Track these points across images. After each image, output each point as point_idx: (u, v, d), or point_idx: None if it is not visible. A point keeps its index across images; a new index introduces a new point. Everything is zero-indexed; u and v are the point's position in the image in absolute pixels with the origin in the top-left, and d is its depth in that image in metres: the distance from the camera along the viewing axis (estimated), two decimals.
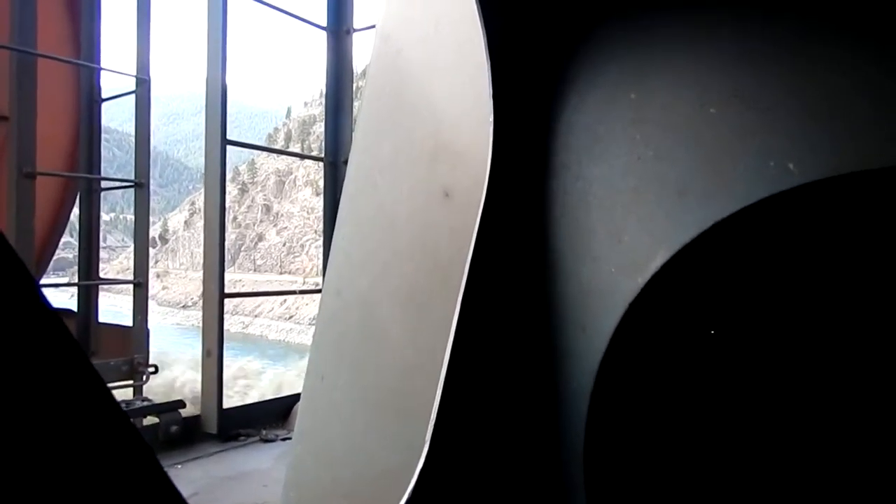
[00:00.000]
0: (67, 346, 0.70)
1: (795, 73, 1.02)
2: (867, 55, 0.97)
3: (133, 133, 6.00)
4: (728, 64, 1.09)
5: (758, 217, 1.00)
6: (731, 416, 1.19)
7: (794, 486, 1.19)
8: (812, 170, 0.96)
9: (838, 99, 0.97)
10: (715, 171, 1.05)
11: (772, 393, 1.19)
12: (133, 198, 6.05)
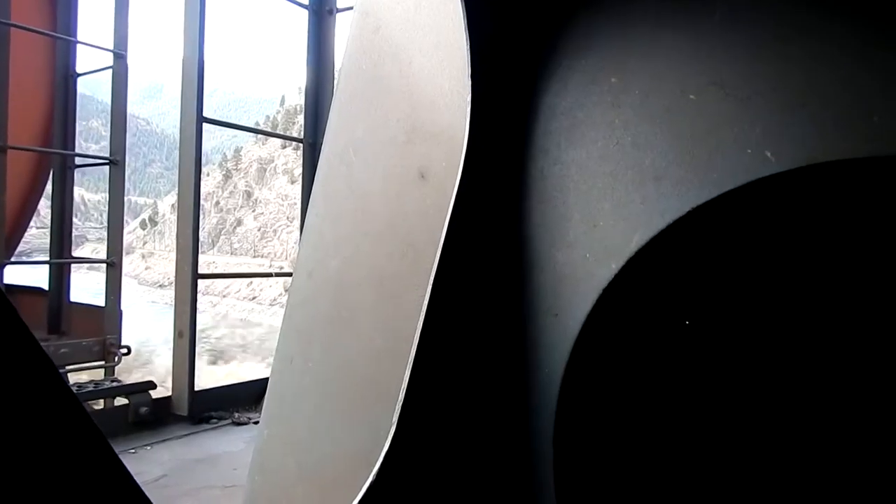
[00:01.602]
0: (12, 324, 0.67)
1: (776, 63, 1.01)
2: (849, 49, 0.97)
3: (112, 110, 5.88)
4: (710, 51, 1.08)
5: (735, 204, 1.00)
6: (705, 406, 1.19)
7: (770, 476, 1.19)
8: (789, 158, 0.95)
9: (818, 90, 0.96)
10: (692, 157, 1.04)
11: (748, 382, 1.18)
12: (110, 177, 5.94)
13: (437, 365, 1.06)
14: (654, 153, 1.07)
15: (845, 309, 1.14)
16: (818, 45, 0.97)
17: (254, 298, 57.76)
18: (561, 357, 1.09)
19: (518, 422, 1.10)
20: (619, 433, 1.18)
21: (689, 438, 1.21)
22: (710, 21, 1.09)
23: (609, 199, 1.10)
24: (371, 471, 1.00)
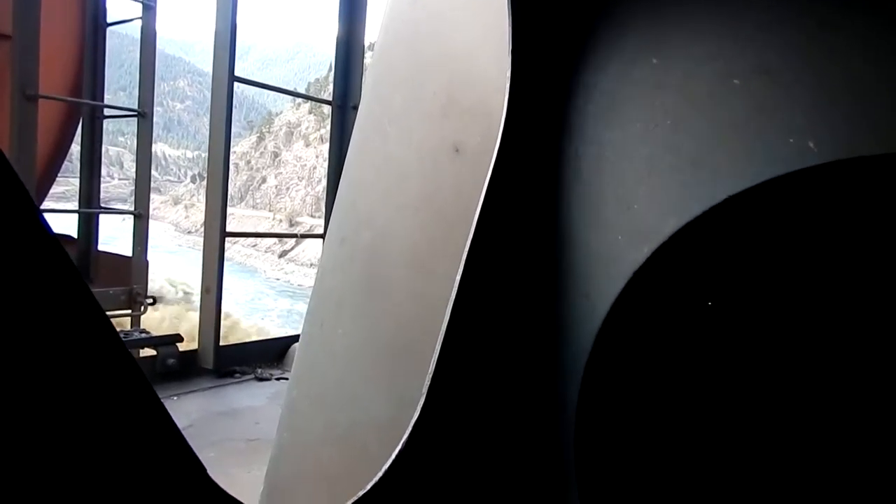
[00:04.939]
0: (67, 271, 0.70)
1: (823, 50, 0.99)
2: None
3: (141, 61, 5.88)
4: (754, 34, 1.06)
5: (773, 194, 0.99)
6: (728, 396, 1.20)
7: (794, 475, 1.21)
8: (833, 150, 0.94)
9: (864, 81, 0.94)
10: (733, 144, 1.03)
11: (773, 375, 1.19)
12: (137, 130, 5.98)
13: (467, 339, 1.08)
14: (693, 138, 1.06)
15: (879, 307, 1.14)
16: (866, 34, 0.95)
17: (254, 245, 64.23)
18: (589, 336, 1.11)
19: (544, 398, 1.12)
20: (640, 414, 1.20)
21: (708, 425, 1.22)
22: (754, 5, 1.07)
23: (645, 182, 1.10)
24: (397, 441, 1.03)
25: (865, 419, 1.17)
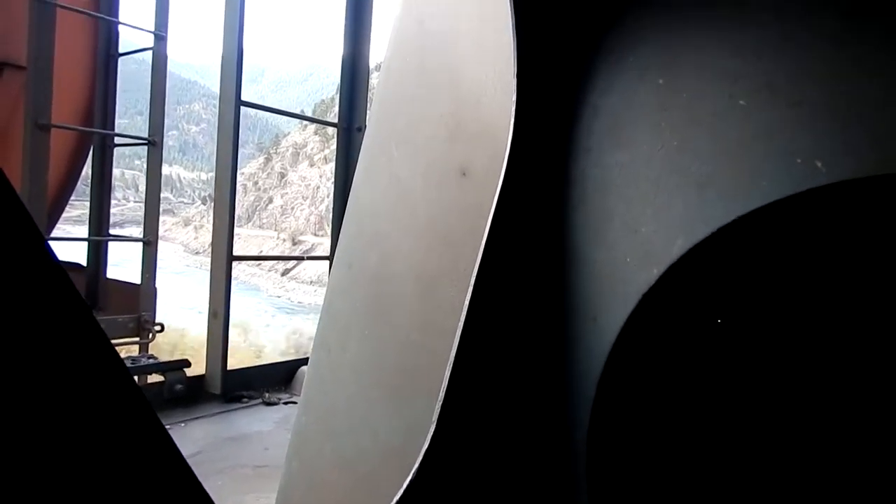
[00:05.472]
0: (72, 301, 0.69)
1: (831, 70, 0.99)
2: None
3: (151, 91, 5.96)
4: (762, 54, 1.06)
5: (781, 215, 0.98)
6: (738, 413, 1.18)
7: (800, 484, 1.19)
8: (841, 170, 0.93)
9: (872, 100, 0.94)
10: (739, 164, 1.03)
11: (782, 391, 1.18)
12: (147, 157, 6.04)
13: (476, 365, 1.07)
14: (699, 159, 1.06)
15: (886, 325, 1.12)
16: (873, 53, 0.95)
17: (258, 264, 65.57)
18: (599, 358, 1.10)
19: (554, 424, 1.11)
20: (651, 436, 1.18)
21: (719, 445, 1.20)
22: (761, 23, 1.07)
23: (652, 203, 1.09)
24: (405, 467, 1.02)
25: (873, 435, 1.15)
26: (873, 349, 1.13)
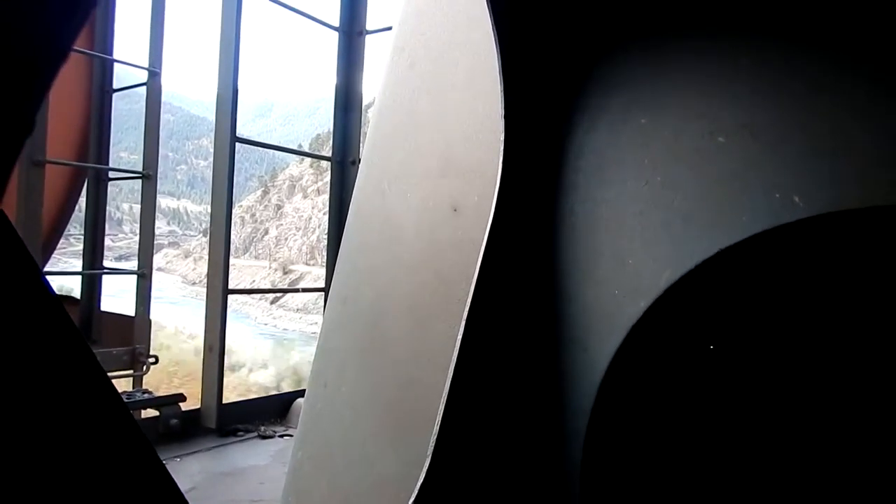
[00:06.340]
0: (68, 333, 0.71)
1: (806, 109, 1.03)
2: (879, 100, 0.99)
3: (146, 125, 6.01)
4: (739, 95, 1.10)
5: (762, 247, 1.02)
6: (730, 441, 1.20)
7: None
8: (818, 204, 0.97)
9: (847, 138, 0.98)
10: (721, 199, 1.06)
11: (772, 418, 1.20)
12: (142, 191, 6.07)
13: (470, 398, 1.09)
14: (682, 194, 1.10)
15: (871, 351, 1.15)
16: (848, 95, 1.00)
17: (251, 294, 66.02)
18: (590, 389, 1.12)
19: (547, 455, 1.13)
20: (644, 464, 1.20)
21: (712, 470, 1.22)
22: (740, 66, 1.12)
23: (638, 238, 1.13)
24: (402, 501, 1.03)
25: (864, 453, 1.17)
26: (855, 369, 1.16)
